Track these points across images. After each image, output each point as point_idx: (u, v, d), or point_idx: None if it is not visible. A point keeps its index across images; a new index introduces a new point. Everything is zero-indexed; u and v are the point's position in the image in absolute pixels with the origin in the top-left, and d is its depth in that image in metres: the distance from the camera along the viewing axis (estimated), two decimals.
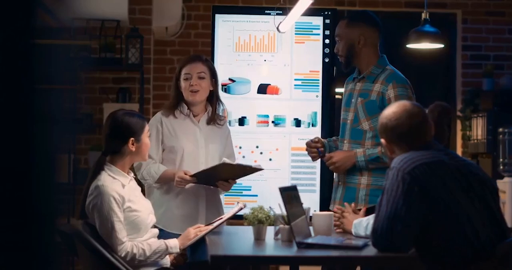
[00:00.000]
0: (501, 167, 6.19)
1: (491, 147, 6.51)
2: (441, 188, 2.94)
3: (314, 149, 4.19)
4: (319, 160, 4.35)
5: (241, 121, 5.23)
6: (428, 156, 3.01)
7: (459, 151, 7.02)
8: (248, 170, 4.13)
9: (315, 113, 5.23)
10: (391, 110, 3.15)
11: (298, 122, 5.21)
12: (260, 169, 4.15)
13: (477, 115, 6.76)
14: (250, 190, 5.17)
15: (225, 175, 4.07)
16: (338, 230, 3.68)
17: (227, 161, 3.99)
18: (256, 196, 5.15)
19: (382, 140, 3.16)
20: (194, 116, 4.22)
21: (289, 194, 3.40)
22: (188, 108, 4.20)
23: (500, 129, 6.30)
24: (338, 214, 3.71)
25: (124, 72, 6.22)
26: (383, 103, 4.03)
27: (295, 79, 5.24)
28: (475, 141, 6.76)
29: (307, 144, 4.25)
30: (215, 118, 4.24)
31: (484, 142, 6.58)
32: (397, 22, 7.06)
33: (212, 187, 4.13)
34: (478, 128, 6.71)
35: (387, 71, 4.14)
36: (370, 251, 3.11)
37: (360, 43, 4.13)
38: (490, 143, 6.52)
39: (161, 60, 6.57)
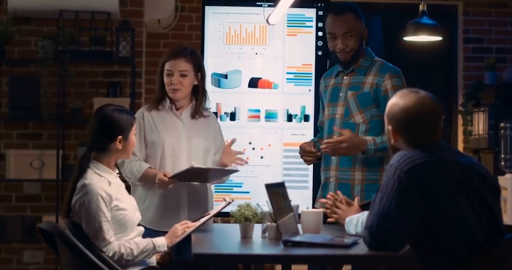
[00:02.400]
0: (503, 163, 6.07)
1: (493, 142, 6.40)
2: (439, 189, 2.88)
3: (310, 153, 4.12)
4: None
5: (232, 116, 5.14)
6: (429, 155, 2.95)
7: (460, 146, 6.93)
8: (224, 171, 4.12)
9: (307, 107, 5.12)
10: (411, 101, 3.02)
11: (290, 117, 5.13)
12: (236, 170, 4.15)
13: (478, 109, 6.64)
14: (241, 186, 5.10)
15: (203, 176, 4.04)
16: (330, 220, 3.66)
17: (196, 165, 3.91)
18: (248, 192, 5.07)
19: (390, 127, 3.06)
20: (178, 109, 4.13)
21: (276, 191, 3.35)
22: (171, 103, 4.13)
23: (502, 124, 6.19)
24: (331, 202, 3.68)
25: (115, 65, 6.14)
26: (377, 95, 4.01)
27: (287, 73, 5.16)
28: (477, 136, 6.65)
29: (302, 148, 4.17)
30: (200, 111, 4.16)
31: (485, 137, 6.46)
32: (397, 14, 6.97)
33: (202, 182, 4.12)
34: (480, 123, 6.60)
35: (377, 62, 4.10)
36: (359, 249, 3.09)
37: (365, 36, 4.11)
38: (491, 138, 6.42)
39: (153, 53, 6.46)
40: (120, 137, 3.53)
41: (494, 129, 6.38)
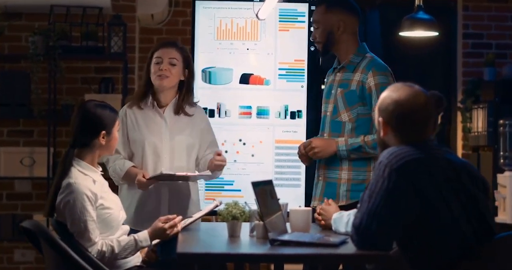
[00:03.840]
0: (502, 161, 5.99)
1: (492, 140, 6.31)
2: (431, 186, 2.83)
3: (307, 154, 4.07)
4: None
5: (211, 113, 5.06)
6: (420, 151, 2.89)
7: (459, 144, 6.84)
8: (195, 176, 4.07)
9: (300, 104, 5.06)
10: (405, 94, 2.96)
11: (282, 114, 5.05)
12: (208, 175, 4.06)
13: (477, 106, 6.54)
14: (232, 184, 5.04)
15: (183, 177, 3.99)
16: (322, 222, 3.60)
17: (165, 171, 3.90)
18: (239, 190, 5.01)
19: (380, 119, 2.99)
20: (161, 107, 4.07)
21: (264, 189, 3.29)
22: (154, 99, 4.06)
23: (501, 121, 6.10)
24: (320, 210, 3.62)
25: (107, 61, 6.08)
26: (363, 93, 3.95)
27: (279, 69, 5.09)
28: (476, 133, 6.55)
29: (300, 148, 4.11)
30: (183, 108, 4.08)
31: (485, 134, 6.38)
32: (396, 9, 6.88)
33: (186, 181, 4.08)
34: (479, 120, 6.50)
35: (367, 59, 4.03)
36: (347, 248, 3.04)
37: (340, 30, 4.02)
38: (491, 135, 6.32)
39: (147, 49, 6.24)
40: (103, 132, 3.51)
41: (493, 126, 6.29)
